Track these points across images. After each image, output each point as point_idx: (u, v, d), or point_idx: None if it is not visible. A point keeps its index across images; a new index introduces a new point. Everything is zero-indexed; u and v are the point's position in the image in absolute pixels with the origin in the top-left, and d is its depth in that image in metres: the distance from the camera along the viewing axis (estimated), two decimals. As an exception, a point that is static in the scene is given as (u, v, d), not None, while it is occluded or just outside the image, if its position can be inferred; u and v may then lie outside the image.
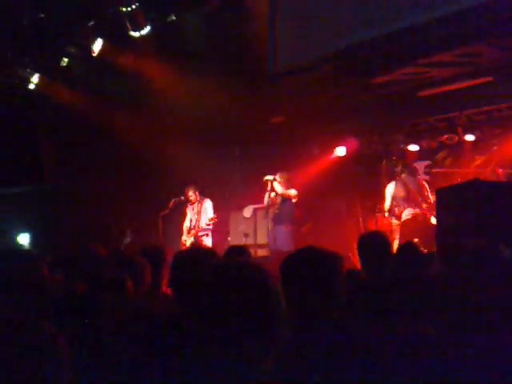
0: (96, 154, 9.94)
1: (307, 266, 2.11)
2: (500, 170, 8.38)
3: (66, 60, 9.00)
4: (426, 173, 9.41)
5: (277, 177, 8.52)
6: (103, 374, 1.98)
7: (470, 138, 8.94)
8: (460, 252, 3.29)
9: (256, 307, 1.41)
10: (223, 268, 1.51)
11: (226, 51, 8.66)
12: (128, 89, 9.56)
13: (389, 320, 2.50)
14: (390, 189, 8.41)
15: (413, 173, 8.48)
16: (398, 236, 8.58)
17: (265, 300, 1.43)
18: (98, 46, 8.76)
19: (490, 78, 7.81)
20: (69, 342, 1.47)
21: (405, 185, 8.32)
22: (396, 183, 8.41)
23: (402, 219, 8.09)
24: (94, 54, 8.80)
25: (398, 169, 8.73)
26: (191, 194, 9.01)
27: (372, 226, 8.93)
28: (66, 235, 9.13)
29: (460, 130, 8.98)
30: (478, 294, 2.77)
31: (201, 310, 1.44)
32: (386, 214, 8.44)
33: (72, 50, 8.92)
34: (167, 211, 9.18)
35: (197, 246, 8.42)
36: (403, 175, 8.38)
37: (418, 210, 8.05)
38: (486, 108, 8.73)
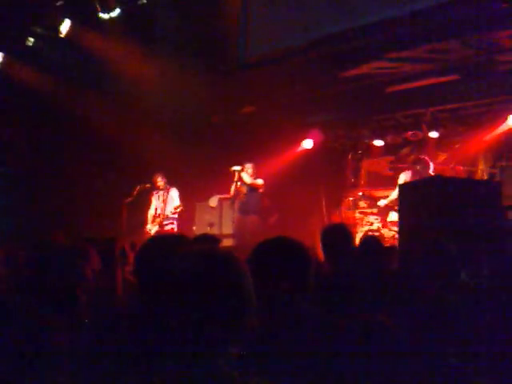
0: (62, 138, 9.75)
1: (280, 255, 2.11)
2: (460, 168, 8.56)
3: (31, 40, 8.78)
4: (390, 168, 9.56)
5: (246, 166, 8.51)
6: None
7: (434, 134, 9.11)
8: (416, 247, 3.37)
9: (229, 292, 1.43)
10: (198, 254, 1.51)
11: (197, 37, 8.59)
12: (95, 72, 9.37)
13: (351, 312, 2.55)
14: (406, 178, 8.02)
15: (427, 166, 7.99)
16: (360, 229, 8.71)
17: (238, 285, 1.44)
18: (65, 26, 8.58)
19: (457, 77, 7.96)
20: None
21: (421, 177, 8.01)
22: (412, 174, 8.05)
23: None
24: (62, 35, 8.61)
25: (411, 159, 8.49)
26: (159, 180, 8.94)
27: (336, 219, 9.05)
28: (29, 222, 8.96)
29: (425, 126, 9.14)
30: (428, 287, 2.86)
31: (172, 297, 1.44)
32: (381, 203, 8.24)
33: (39, 30, 8.70)
34: (131, 198, 9.07)
35: (165, 232, 8.37)
36: (418, 167, 7.94)
37: None
38: (451, 106, 8.90)
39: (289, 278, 2.04)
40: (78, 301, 2.54)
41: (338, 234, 3.61)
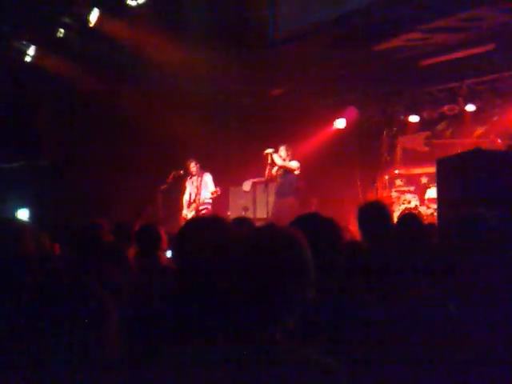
0: (95, 128, 9.85)
1: (312, 231, 2.11)
2: (499, 141, 8.31)
3: (62, 31, 8.84)
4: (426, 144, 9.35)
5: (280, 149, 8.42)
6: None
7: (470, 108, 8.86)
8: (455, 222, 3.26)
9: (296, 267, 1.48)
10: (261, 235, 1.56)
11: (226, 21, 8.51)
12: (125, 60, 9.39)
13: (393, 287, 2.50)
14: None
15: None
16: (397, 208, 8.56)
17: (302, 260, 1.50)
18: (94, 16, 8.60)
19: (491, 46, 7.68)
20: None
21: None
22: None
23: None
24: (91, 25, 8.64)
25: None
26: (193, 166, 8.96)
27: (372, 198, 8.91)
28: (65, 211, 9.11)
29: (461, 100, 8.90)
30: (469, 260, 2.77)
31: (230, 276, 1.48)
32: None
33: (68, 21, 8.75)
34: (166, 185, 9.13)
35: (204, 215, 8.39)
36: None
37: None
38: (487, 77, 8.63)
39: (319, 254, 2.02)
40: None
41: (376, 212, 3.51)
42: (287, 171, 8.40)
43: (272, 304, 1.43)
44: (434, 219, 7.21)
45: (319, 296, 1.73)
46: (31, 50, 9.25)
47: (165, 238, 3.88)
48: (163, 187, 9.15)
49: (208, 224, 2.17)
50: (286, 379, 1.36)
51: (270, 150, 8.45)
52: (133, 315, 2.13)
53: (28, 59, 9.33)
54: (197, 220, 2.51)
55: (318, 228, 2.12)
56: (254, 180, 9.86)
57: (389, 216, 3.66)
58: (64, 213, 8.98)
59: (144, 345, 1.98)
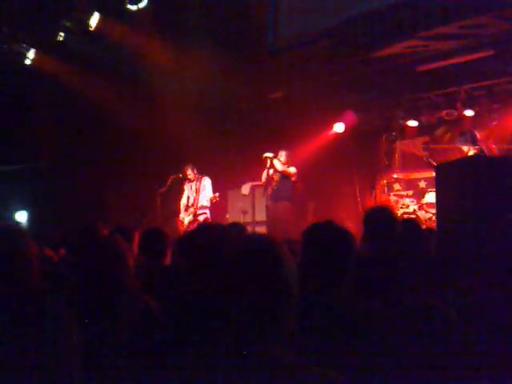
0: (93, 131, 9.86)
1: (330, 237, 2.11)
2: (493, 146, 8.33)
3: (62, 34, 8.85)
4: (424, 149, 9.37)
5: (280, 154, 8.47)
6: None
7: (469, 113, 8.90)
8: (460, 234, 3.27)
9: (266, 278, 1.41)
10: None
11: (226, 25, 8.54)
12: (125, 64, 9.41)
13: (396, 294, 2.52)
14: None
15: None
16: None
17: (275, 269, 1.42)
18: (95, 19, 8.61)
19: (491, 52, 7.73)
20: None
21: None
22: None
23: None
24: (91, 29, 8.65)
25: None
26: (190, 173, 8.96)
27: (370, 203, 8.94)
28: (63, 213, 9.11)
29: (459, 105, 8.94)
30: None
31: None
32: None
33: (68, 25, 8.75)
34: (165, 188, 9.14)
35: (198, 221, 8.40)
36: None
37: None
38: (485, 83, 8.68)
39: (334, 262, 2.03)
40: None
41: (383, 217, 3.49)
42: (285, 176, 8.45)
43: (252, 315, 1.39)
44: (433, 224, 7.23)
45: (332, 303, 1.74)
46: (31, 53, 9.26)
47: (169, 241, 3.89)
48: (162, 190, 9.17)
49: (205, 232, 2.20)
50: None
51: (269, 154, 8.48)
52: (138, 316, 2.15)
53: (28, 62, 9.34)
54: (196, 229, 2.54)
55: (333, 237, 2.12)
56: (253, 183, 9.88)
57: (396, 222, 3.65)
58: (63, 216, 8.99)
59: (145, 347, 2.00)
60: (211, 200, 8.78)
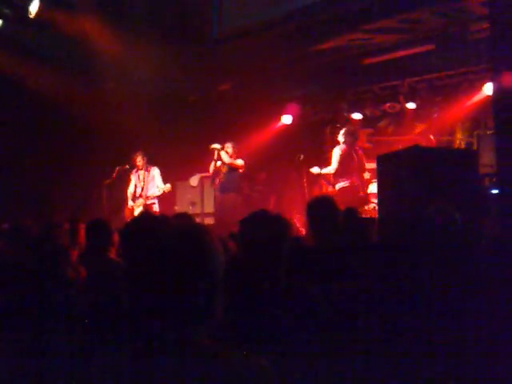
0: (34, 121, 9.57)
1: (262, 228, 2.16)
2: (431, 137, 8.64)
3: (0, 22, 8.52)
4: (368, 141, 9.60)
5: (226, 146, 8.49)
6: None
7: (411, 106, 9.17)
8: (400, 220, 3.39)
9: (192, 261, 1.42)
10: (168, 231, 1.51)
11: (171, 13, 8.45)
12: (66, 51, 9.15)
13: (341, 281, 2.59)
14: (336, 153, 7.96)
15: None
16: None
17: (198, 256, 1.43)
18: (34, 6, 8.31)
19: (432, 46, 7.98)
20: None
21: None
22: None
23: (337, 188, 7.90)
24: (31, 16, 8.36)
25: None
26: (139, 160, 8.86)
27: (317, 193, 9.07)
28: (3, 206, 8.81)
29: (402, 98, 9.19)
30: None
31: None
32: (314, 170, 8.15)
33: (6, 11, 8.44)
34: (111, 180, 9.01)
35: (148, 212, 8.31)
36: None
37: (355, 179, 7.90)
38: (427, 76, 8.95)
39: (268, 250, 2.08)
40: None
41: (326, 207, 3.57)
42: (232, 168, 8.48)
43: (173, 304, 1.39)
44: (376, 213, 7.42)
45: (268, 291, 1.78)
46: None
47: (115, 232, 3.86)
48: (107, 182, 9.03)
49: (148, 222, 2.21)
50: (214, 377, 1.33)
51: (216, 146, 8.49)
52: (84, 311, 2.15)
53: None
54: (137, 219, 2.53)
55: (265, 224, 2.18)
56: (202, 175, 9.87)
57: (337, 211, 3.73)
58: (3, 208, 8.69)
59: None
60: (164, 191, 8.71)
